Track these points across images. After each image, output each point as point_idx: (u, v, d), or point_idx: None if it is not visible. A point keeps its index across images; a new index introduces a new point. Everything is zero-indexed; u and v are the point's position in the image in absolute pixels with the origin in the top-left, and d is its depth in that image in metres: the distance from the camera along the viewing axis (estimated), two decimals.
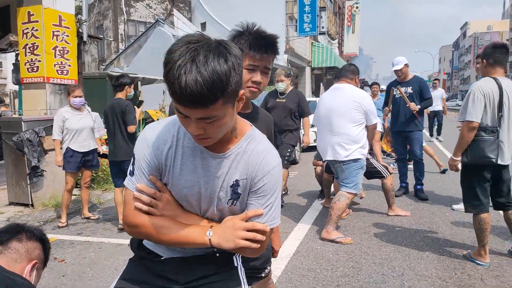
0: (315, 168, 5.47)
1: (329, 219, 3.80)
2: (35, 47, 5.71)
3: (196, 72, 0.90)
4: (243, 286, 1.27)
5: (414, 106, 5.13)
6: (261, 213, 1.14)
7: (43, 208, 5.31)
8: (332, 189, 5.13)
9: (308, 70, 21.75)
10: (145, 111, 8.71)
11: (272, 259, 3.35)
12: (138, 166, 1.15)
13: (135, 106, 4.60)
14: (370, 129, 3.89)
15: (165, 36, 14.54)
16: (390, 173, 4.51)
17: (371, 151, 4.88)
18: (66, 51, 5.96)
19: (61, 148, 4.68)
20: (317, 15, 17.45)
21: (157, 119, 8.49)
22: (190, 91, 0.90)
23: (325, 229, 3.81)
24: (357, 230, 4.08)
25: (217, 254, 1.23)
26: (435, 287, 2.82)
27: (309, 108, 5.22)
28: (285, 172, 5.13)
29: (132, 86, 4.62)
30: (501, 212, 3.29)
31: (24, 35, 5.76)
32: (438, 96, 11.36)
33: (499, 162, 2.98)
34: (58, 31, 5.82)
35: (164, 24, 14.71)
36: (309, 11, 17.42)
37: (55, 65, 5.81)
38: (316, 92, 22.48)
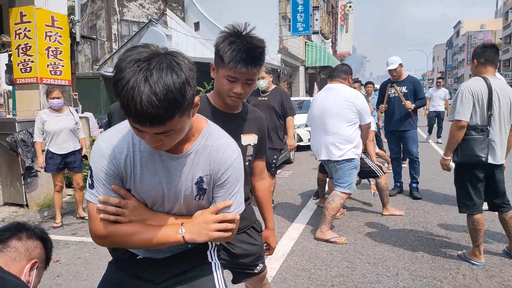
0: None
1: (323, 219, 3.81)
2: (28, 47, 5.67)
3: (150, 93, 0.89)
4: (216, 280, 1.31)
5: (410, 105, 5.16)
6: (230, 204, 1.19)
7: (38, 208, 5.29)
8: (327, 188, 5.14)
9: (302, 69, 21.77)
10: None
11: (266, 259, 3.37)
12: (97, 179, 1.14)
13: None
14: (364, 129, 3.91)
15: (158, 36, 14.49)
16: (384, 173, 4.54)
17: (365, 151, 4.91)
18: (59, 52, 5.92)
19: (43, 150, 4.65)
20: (310, 15, 17.46)
21: None
22: (146, 112, 0.89)
23: (319, 229, 3.83)
24: (351, 230, 4.10)
25: (189, 246, 1.25)
26: (429, 287, 2.84)
27: (293, 108, 4.91)
28: (272, 180, 4.81)
29: None
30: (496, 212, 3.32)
31: (17, 36, 5.72)
32: (441, 96, 10.81)
33: (490, 161, 3.01)
34: (51, 31, 5.79)
35: (157, 24, 14.67)
36: (302, 10, 17.42)
37: (48, 65, 5.78)
38: (310, 92, 22.51)
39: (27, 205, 5.33)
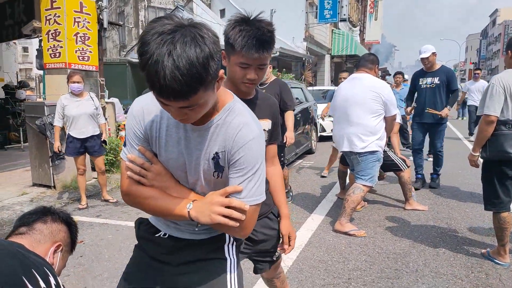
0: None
1: (343, 211, 3.77)
2: (57, 33, 5.80)
3: (173, 67, 0.88)
4: (228, 279, 1.28)
5: (446, 112, 5.07)
6: (239, 190, 1.12)
7: (65, 190, 5.48)
8: (348, 181, 5.07)
9: (327, 58, 21.42)
10: None
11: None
12: (128, 138, 1.19)
13: None
14: (389, 121, 3.81)
15: None
16: (408, 166, 4.42)
17: (389, 143, 4.80)
18: (87, 38, 6.03)
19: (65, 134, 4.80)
20: (338, 2, 17.06)
21: None
22: (169, 87, 0.89)
23: (338, 221, 3.79)
24: (372, 223, 4.04)
25: (198, 226, 1.24)
26: (450, 285, 2.77)
27: (293, 102, 4.61)
28: (285, 172, 4.73)
29: None
30: None
31: (47, 22, 5.85)
32: (479, 88, 10.07)
33: None
34: (79, 17, 5.89)
35: (183, 10, 14.72)
36: None
37: (76, 51, 5.90)
38: (335, 81, 22.15)
39: (54, 187, 5.53)
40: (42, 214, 1.36)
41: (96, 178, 5.63)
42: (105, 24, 6.65)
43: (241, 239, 1.38)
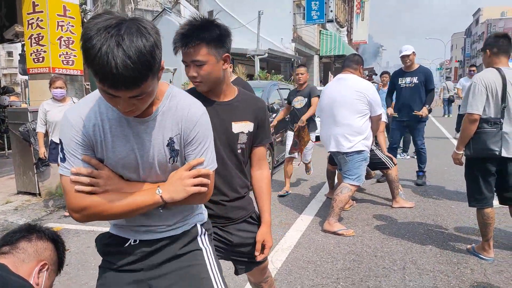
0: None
1: (331, 211, 3.78)
2: (40, 37, 5.71)
3: (124, 56, 0.92)
4: (209, 267, 1.31)
5: (425, 111, 5.21)
6: (202, 161, 1.22)
7: (50, 197, 5.39)
8: (336, 180, 5.09)
9: (316, 58, 21.53)
10: None
11: (273, 251, 3.37)
12: (68, 150, 1.14)
13: None
14: (375, 120, 3.84)
15: (171, 25, 14.45)
16: (395, 164, 4.47)
17: (376, 142, 4.83)
18: (71, 42, 5.95)
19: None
20: (325, 2, 17.17)
21: None
22: (122, 75, 0.93)
23: (327, 221, 3.80)
24: (360, 222, 4.06)
25: (161, 211, 1.23)
26: (436, 281, 2.79)
27: None
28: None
29: None
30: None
31: (30, 26, 5.76)
32: None
33: (504, 154, 2.91)
34: (63, 21, 5.81)
35: (171, 13, 14.66)
36: None
37: (60, 55, 5.82)
38: (324, 81, 22.28)
39: (39, 194, 5.44)
40: (26, 232, 1.31)
41: None
42: None
43: (210, 227, 1.44)
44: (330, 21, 18.80)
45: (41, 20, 5.67)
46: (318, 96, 4.67)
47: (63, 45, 5.83)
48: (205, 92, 1.62)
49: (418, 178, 5.50)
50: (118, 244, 1.30)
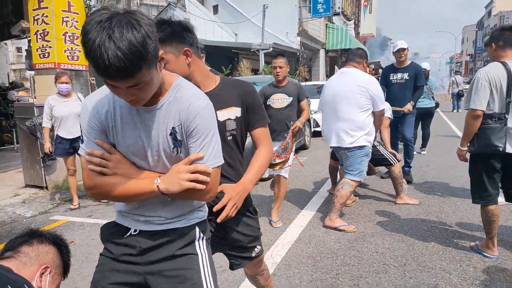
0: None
1: (333, 207, 3.77)
2: (46, 33, 5.75)
3: (115, 48, 0.97)
4: (203, 274, 1.32)
5: (409, 107, 5.26)
6: (201, 156, 1.22)
7: (57, 190, 5.47)
8: (339, 176, 5.08)
9: (322, 52, 21.38)
10: None
11: (273, 246, 3.37)
12: (85, 133, 1.24)
13: None
14: (377, 115, 3.80)
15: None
16: (398, 160, 4.43)
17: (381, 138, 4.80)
18: (76, 37, 5.98)
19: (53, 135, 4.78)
20: None
21: None
22: (114, 66, 0.98)
23: (328, 217, 3.80)
24: (362, 218, 4.05)
25: (168, 198, 1.27)
26: (437, 279, 2.77)
27: None
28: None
29: None
30: None
31: (35, 22, 5.80)
32: None
33: (508, 150, 2.86)
34: (68, 17, 5.84)
35: (175, 7, 14.62)
36: None
37: (65, 50, 5.85)
38: (330, 76, 22.11)
39: (46, 187, 5.51)
40: (28, 236, 1.32)
41: None
42: None
43: (207, 231, 1.43)
44: (337, 14, 18.64)
45: (46, 16, 5.70)
46: (307, 98, 4.53)
47: (68, 40, 5.86)
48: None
49: (405, 174, 5.36)
50: (120, 233, 1.35)
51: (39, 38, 5.80)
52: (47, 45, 5.77)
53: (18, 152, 7.75)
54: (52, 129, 4.79)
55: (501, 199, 3.05)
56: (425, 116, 7.25)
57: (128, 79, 1.03)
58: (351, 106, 3.69)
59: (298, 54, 16.94)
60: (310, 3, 17.60)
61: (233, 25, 17.89)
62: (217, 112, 1.61)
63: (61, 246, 1.37)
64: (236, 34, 18.48)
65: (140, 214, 1.32)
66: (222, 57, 14.99)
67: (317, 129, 9.92)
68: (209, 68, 4.31)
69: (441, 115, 14.73)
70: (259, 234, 1.84)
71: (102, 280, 1.33)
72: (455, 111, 16.14)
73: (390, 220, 3.98)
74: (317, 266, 3.01)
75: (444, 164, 6.40)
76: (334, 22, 22.11)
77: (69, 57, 5.92)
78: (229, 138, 1.65)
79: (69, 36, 5.88)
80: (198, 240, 1.37)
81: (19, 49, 34.83)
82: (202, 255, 1.36)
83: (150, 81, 1.09)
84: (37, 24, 5.79)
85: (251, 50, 14.42)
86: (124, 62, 0.98)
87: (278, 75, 4.01)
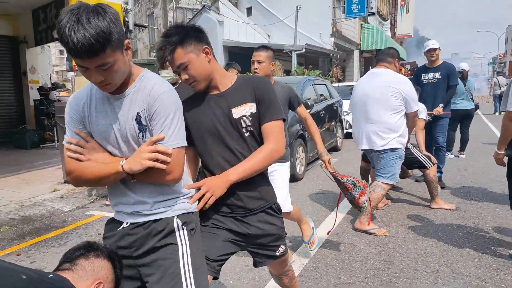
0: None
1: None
2: None
3: (83, 29, 1.12)
4: (181, 265, 1.38)
5: (439, 110, 5.09)
6: (162, 137, 1.31)
7: (93, 187, 5.67)
8: (370, 180, 4.96)
9: (356, 53, 21.00)
10: None
11: (301, 247, 3.34)
12: (67, 124, 1.39)
13: None
14: (410, 117, 3.69)
15: (211, 22, 14.67)
16: (433, 164, 4.27)
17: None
18: None
19: None
20: None
21: None
22: (82, 45, 1.12)
23: (358, 220, 3.72)
24: (394, 222, 3.93)
25: (133, 180, 1.34)
26: (472, 287, 2.65)
27: None
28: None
29: None
30: None
31: None
32: None
33: None
34: None
35: (210, 10, 14.85)
36: None
37: None
38: None
39: None
40: (85, 249, 1.36)
41: None
42: (131, 26, 6.84)
43: (192, 223, 1.47)
44: (372, 14, 18.23)
45: None
46: (307, 103, 4.07)
47: None
48: (204, 89, 1.66)
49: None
50: (115, 228, 1.45)
51: None
52: None
53: (58, 149, 8.13)
54: None
55: None
56: (464, 118, 6.96)
57: (95, 58, 1.16)
58: (382, 108, 3.59)
59: (331, 55, 16.74)
60: (344, 4, 17.35)
61: (266, 27, 17.95)
62: (232, 109, 1.63)
63: (115, 261, 1.39)
64: (269, 36, 18.51)
65: (126, 203, 1.41)
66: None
67: (350, 130, 9.76)
68: (229, 62, 4.27)
69: (482, 117, 14.08)
70: (283, 234, 1.82)
71: None
72: (497, 113, 15.37)
73: (423, 225, 3.85)
74: (345, 269, 2.96)
75: (483, 168, 6.11)
76: (369, 22, 21.67)
77: None
78: (247, 134, 1.64)
79: None
80: (179, 230, 1.41)
81: (61, 52, 36.63)
82: (182, 245, 1.40)
83: (116, 64, 1.22)
84: None
85: (283, 51, 14.40)
86: (90, 41, 1.11)
87: (256, 72, 2.97)
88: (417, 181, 5.49)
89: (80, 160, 1.35)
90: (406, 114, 3.66)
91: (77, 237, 3.97)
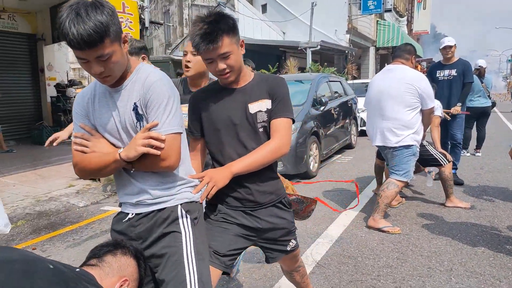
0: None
1: (377, 207, 3.67)
2: None
3: (82, 22, 1.19)
4: (184, 252, 1.40)
5: (457, 109, 5.06)
6: (155, 124, 1.36)
7: (108, 182, 5.78)
8: (384, 177, 4.92)
9: (372, 50, 20.77)
10: None
11: (313, 244, 3.35)
12: (74, 119, 1.47)
13: None
14: (426, 114, 3.65)
15: None
16: (449, 161, 4.21)
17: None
18: (129, 37, 6.30)
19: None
20: None
21: None
22: (81, 36, 1.19)
23: (371, 217, 3.70)
24: (408, 220, 3.90)
25: (132, 171, 1.41)
26: (486, 286, 2.62)
27: None
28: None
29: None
30: None
31: None
32: None
33: None
34: (122, 17, 6.16)
35: (225, 7, 14.87)
36: None
37: None
38: None
39: (99, 179, 5.85)
40: (113, 247, 1.39)
41: None
42: (147, 24, 6.91)
43: (196, 212, 1.50)
44: (388, 10, 17.99)
45: None
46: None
47: None
48: (223, 83, 1.67)
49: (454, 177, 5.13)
50: (121, 219, 1.50)
51: None
52: None
53: None
54: None
55: None
56: (480, 116, 6.83)
57: (94, 49, 1.22)
58: (397, 104, 3.56)
59: (346, 52, 16.59)
60: (360, 0, 17.16)
61: (281, 24, 17.89)
62: (249, 105, 1.64)
63: (140, 260, 1.41)
64: (284, 33, 18.45)
65: (130, 193, 1.45)
66: (270, 56, 15.06)
67: (364, 128, 9.69)
68: (243, 59, 4.26)
69: (499, 115, 13.78)
70: (293, 228, 1.83)
71: None
72: None
73: (437, 223, 3.81)
74: (358, 267, 2.95)
75: (500, 166, 5.99)
76: (386, 19, 21.39)
77: None
78: (261, 130, 1.66)
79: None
80: (182, 218, 1.45)
81: None
82: (186, 233, 1.44)
83: (114, 55, 1.28)
84: None
85: (298, 49, 14.34)
86: (89, 32, 1.18)
87: (188, 69, 2.39)
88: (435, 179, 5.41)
89: (85, 153, 1.41)
90: (422, 111, 3.62)
91: (92, 232, 4.05)
